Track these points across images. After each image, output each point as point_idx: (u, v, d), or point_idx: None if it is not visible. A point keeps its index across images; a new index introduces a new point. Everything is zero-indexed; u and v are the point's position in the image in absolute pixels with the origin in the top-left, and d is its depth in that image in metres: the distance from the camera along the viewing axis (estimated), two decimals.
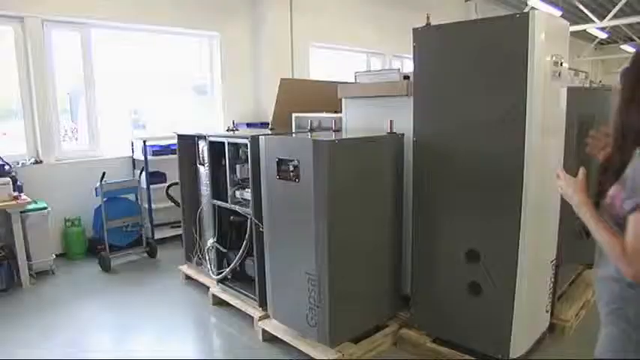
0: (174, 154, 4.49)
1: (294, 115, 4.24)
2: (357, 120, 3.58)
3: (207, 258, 4.03)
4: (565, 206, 3.03)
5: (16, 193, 4.25)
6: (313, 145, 2.69)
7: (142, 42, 5.94)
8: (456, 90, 2.76)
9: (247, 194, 3.45)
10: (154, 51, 6.04)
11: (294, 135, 3.82)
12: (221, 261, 3.90)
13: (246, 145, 3.35)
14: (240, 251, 3.57)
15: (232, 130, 4.01)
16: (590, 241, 4.11)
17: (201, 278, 4.12)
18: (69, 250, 5.03)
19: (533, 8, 7.36)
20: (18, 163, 4.76)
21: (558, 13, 8.48)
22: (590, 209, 1.44)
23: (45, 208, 4.52)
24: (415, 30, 2.89)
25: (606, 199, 1.41)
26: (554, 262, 2.98)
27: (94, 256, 4.91)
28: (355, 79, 3.68)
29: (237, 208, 3.55)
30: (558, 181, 1.59)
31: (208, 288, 3.91)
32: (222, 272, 3.81)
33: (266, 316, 3.28)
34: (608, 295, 1.41)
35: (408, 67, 6.61)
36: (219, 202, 3.76)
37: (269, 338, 3.21)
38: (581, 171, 1.55)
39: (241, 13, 6.54)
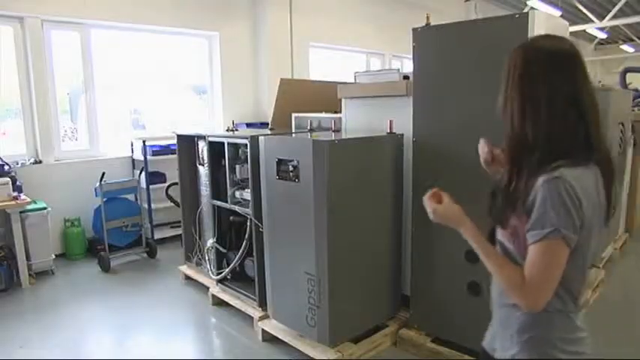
0: (174, 154, 4.49)
1: (293, 115, 4.24)
2: (356, 120, 3.58)
3: (206, 258, 4.02)
4: None
5: (15, 193, 4.25)
6: (313, 145, 2.69)
7: (142, 42, 5.94)
8: (455, 90, 2.76)
9: (247, 194, 3.45)
10: (154, 51, 6.04)
11: (293, 135, 3.82)
12: (221, 261, 3.89)
13: (245, 145, 3.35)
14: (240, 251, 3.57)
15: (232, 130, 4.01)
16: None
17: (201, 278, 4.12)
18: (68, 250, 5.02)
19: (532, 8, 7.37)
20: (17, 163, 4.75)
21: (558, 13, 8.49)
22: (482, 241, 1.34)
23: (44, 209, 4.52)
24: (415, 30, 2.89)
25: (506, 229, 1.31)
26: None
27: (93, 257, 4.90)
28: (355, 79, 3.68)
29: (236, 208, 3.55)
30: (432, 203, 1.42)
31: (208, 288, 3.90)
32: (221, 272, 3.80)
33: (266, 317, 3.28)
34: (522, 322, 1.31)
35: (408, 67, 6.61)
36: (218, 203, 3.76)
37: (269, 338, 3.21)
38: (447, 197, 1.43)
39: (241, 13, 6.54)
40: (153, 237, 5.24)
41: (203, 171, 4.09)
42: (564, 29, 2.81)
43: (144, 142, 5.21)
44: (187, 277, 4.33)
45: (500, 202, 1.32)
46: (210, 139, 3.74)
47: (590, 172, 1.24)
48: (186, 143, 4.26)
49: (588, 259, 1.29)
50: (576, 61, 1.26)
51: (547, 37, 1.34)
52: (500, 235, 1.35)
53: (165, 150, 5.38)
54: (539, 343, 1.30)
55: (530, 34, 2.40)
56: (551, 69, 1.25)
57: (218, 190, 3.79)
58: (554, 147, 1.22)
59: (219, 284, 3.84)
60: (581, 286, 1.30)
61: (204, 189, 4.12)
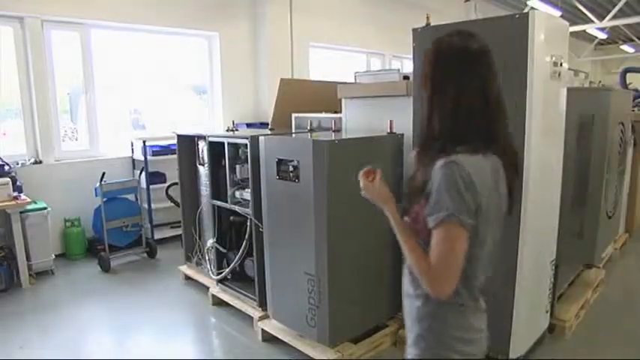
0: (174, 154, 4.50)
1: (293, 115, 4.24)
2: (356, 120, 3.58)
3: (206, 258, 4.02)
4: (564, 206, 3.03)
5: (15, 194, 4.25)
6: (313, 146, 2.69)
7: (142, 42, 5.94)
8: None
9: (247, 194, 3.45)
10: (154, 51, 6.04)
11: (293, 135, 3.82)
12: (221, 261, 3.89)
13: (245, 145, 3.35)
14: (240, 251, 3.57)
15: (232, 131, 4.00)
16: (590, 241, 4.08)
17: (201, 278, 4.12)
18: (68, 250, 5.02)
19: (532, 8, 7.37)
20: (18, 163, 4.75)
21: (558, 13, 8.48)
22: (400, 222, 1.38)
23: (45, 209, 4.51)
24: (415, 30, 2.89)
25: (410, 216, 1.36)
26: (554, 262, 2.98)
27: (93, 257, 4.90)
28: (355, 79, 3.69)
29: (236, 208, 3.55)
30: (366, 181, 1.47)
31: (208, 288, 3.90)
32: (221, 272, 3.81)
33: (265, 317, 3.28)
34: (421, 312, 1.36)
35: (408, 67, 6.61)
36: (218, 202, 3.76)
37: (268, 338, 3.21)
38: (379, 175, 1.46)
39: (241, 13, 6.54)
40: (153, 237, 5.24)
41: (203, 171, 4.09)
42: (564, 29, 2.80)
43: (144, 142, 5.21)
44: (187, 277, 4.33)
45: (405, 190, 1.39)
46: (211, 139, 3.74)
47: (488, 161, 1.28)
48: (186, 143, 4.26)
49: (487, 252, 1.32)
50: (485, 59, 1.33)
51: (459, 33, 1.37)
52: (407, 222, 1.39)
53: (165, 150, 5.38)
54: (434, 343, 1.34)
55: (530, 35, 2.41)
56: (461, 65, 1.30)
57: (218, 190, 3.79)
58: (457, 136, 1.27)
59: (219, 284, 3.84)
60: (479, 280, 1.34)
61: (204, 189, 4.12)
